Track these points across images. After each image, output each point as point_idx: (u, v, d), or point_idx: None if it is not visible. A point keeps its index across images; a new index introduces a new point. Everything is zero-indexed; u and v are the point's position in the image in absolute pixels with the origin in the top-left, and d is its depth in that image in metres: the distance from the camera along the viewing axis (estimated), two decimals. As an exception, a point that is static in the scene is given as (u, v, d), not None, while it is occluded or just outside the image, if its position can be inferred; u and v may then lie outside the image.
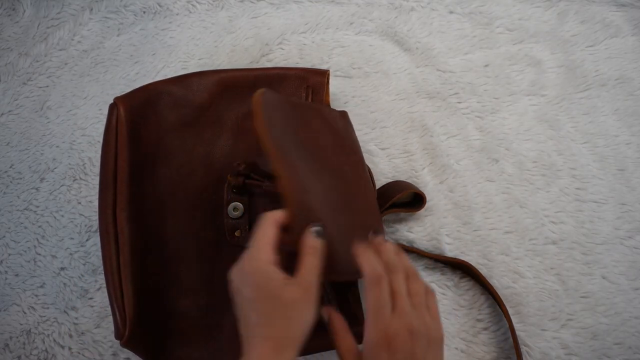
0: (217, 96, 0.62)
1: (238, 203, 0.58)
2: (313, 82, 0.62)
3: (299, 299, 0.35)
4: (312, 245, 0.38)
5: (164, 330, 0.53)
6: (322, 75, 0.62)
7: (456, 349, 0.58)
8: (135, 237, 0.54)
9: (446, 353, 0.57)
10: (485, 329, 0.58)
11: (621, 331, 0.58)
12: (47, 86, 0.73)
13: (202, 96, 0.61)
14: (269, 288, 0.35)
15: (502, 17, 0.74)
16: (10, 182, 0.68)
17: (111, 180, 0.55)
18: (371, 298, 0.36)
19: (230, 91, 0.62)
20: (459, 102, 0.70)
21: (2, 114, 0.72)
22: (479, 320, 0.59)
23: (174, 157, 0.59)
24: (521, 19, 0.74)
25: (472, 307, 0.59)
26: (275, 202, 0.57)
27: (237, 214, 0.57)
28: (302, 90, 0.61)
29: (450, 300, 0.60)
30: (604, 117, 0.69)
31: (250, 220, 0.58)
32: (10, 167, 0.69)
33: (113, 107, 0.58)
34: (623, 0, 0.74)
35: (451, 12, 0.75)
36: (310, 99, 0.60)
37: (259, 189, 0.57)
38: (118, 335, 0.51)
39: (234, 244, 0.57)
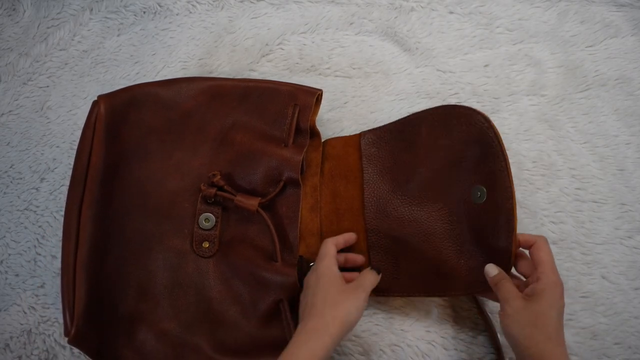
0: (205, 104, 0.61)
1: (210, 214, 0.57)
2: (302, 101, 0.60)
3: (346, 297, 0.48)
4: (372, 273, 0.52)
5: (115, 332, 0.53)
6: (312, 95, 0.60)
7: (455, 349, 0.58)
8: (97, 237, 0.54)
9: (446, 354, 0.58)
10: (485, 330, 0.58)
11: (621, 331, 0.58)
12: (47, 86, 0.73)
13: (189, 102, 0.61)
14: (330, 281, 0.50)
15: (502, 17, 0.74)
16: (11, 182, 0.68)
17: (82, 178, 0.55)
18: (551, 256, 0.49)
19: (219, 100, 0.61)
20: (459, 102, 0.70)
21: (3, 114, 0.72)
22: (478, 323, 0.59)
23: (151, 160, 0.59)
24: (521, 19, 0.74)
25: (472, 309, 0.59)
26: (247, 218, 0.57)
27: (208, 225, 0.57)
28: (290, 107, 0.60)
29: (450, 303, 0.60)
30: (604, 117, 0.69)
31: (220, 233, 0.57)
32: (11, 167, 0.69)
33: (95, 105, 0.58)
34: (623, 0, 0.74)
35: (451, 12, 0.75)
36: (296, 118, 0.59)
37: (230, 203, 0.57)
38: (65, 332, 0.51)
39: (199, 254, 0.56)
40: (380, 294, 0.56)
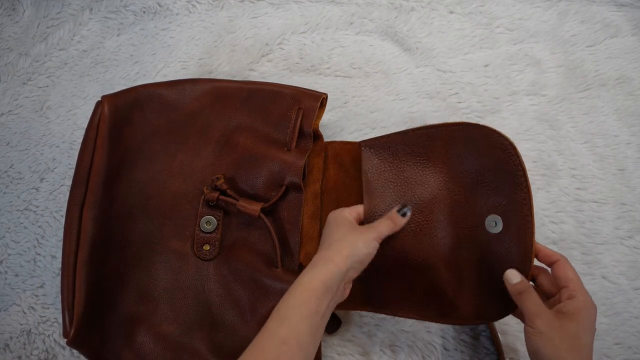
0: (208, 105, 0.61)
1: (211, 217, 0.57)
2: (306, 105, 0.59)
3: (355, 234, 0.48)
4: (394, 216, 0.51)
5: (114, 334, 0.53)
6: (316, 100, 0.60)
7: (456, 350, 0.58)
8: (98, 238, 0.54)
9: (447, 354, 0.57)
10: (485, 330, 0.58)
11: (621, 331, 0.58)
12: (47, 86, 0.73)
13: (192, 103, 0.60)
14: (339, 222, 0.50)
15: (502, 17, 0.74)
16: (10, 182, 0.68)
17: (84, 178, 0.55)
18: (579, 276, 0.46)
19: (222, 102, 0.61)
20: (459, 102, 0.70)
21: (2, 114, 0.72)
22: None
23: (154, 161, 0.59)
24: (521, 19, 0.74)
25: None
26: (248, 222, 0.57)
27: (209, 227, 0.57)
28: (293, 111, 0.59)
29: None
30: (604, 117, 0.69)
31: (222, 237, 0.57)
32: (10, 167, 0.69)
33: (98, 105, 0.58)
34: (623, 0, 0.74)
35: (451, 12, 0.75)
36: (299, 121, 0.59)
37: (232, 207, 0.57)
38: (64, 333, 0.51)
39: (200, 257, 0.56)
40: (370, 309, 0.54)
